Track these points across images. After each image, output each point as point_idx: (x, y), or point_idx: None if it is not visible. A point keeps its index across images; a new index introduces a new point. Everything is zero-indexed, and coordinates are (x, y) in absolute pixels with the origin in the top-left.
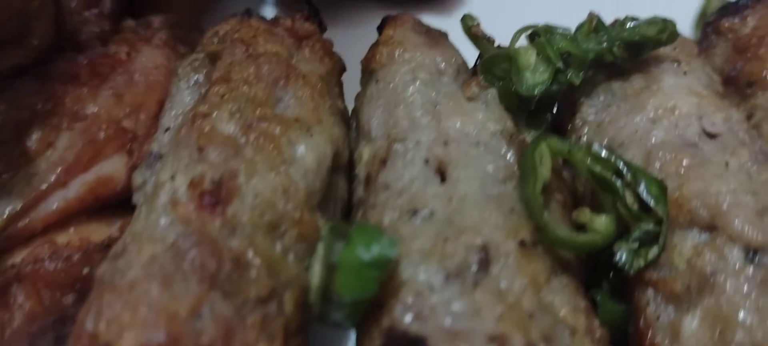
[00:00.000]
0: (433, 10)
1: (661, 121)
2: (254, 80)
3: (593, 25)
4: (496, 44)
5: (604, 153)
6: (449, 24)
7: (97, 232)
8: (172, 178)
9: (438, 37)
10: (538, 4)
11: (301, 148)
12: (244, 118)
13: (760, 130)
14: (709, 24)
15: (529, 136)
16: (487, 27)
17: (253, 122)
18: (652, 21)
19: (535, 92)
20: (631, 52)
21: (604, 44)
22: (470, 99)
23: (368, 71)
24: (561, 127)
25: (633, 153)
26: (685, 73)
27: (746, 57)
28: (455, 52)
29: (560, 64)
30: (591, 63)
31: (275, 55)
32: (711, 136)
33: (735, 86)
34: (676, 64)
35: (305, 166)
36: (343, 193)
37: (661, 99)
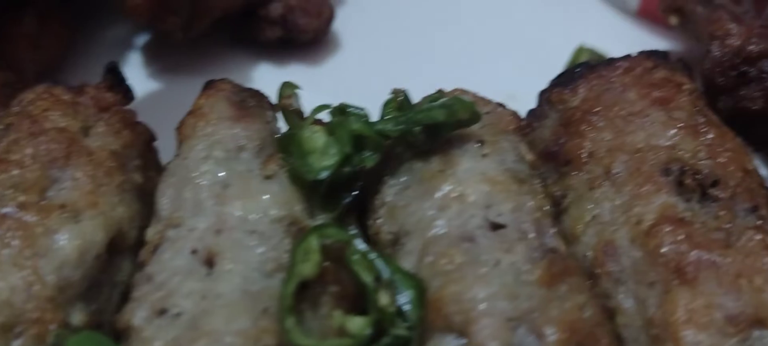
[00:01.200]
0: (302, 59)
1: (447, 209)
2: (29, 162)
3: (398, 102)
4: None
5: (362, 247)
6: (318, 74)
7: None
8: None
9: (251, 109)
10: (410, 64)
11: (62, 238)
12: None
13: (568, 214)
14: (543, 92)
15: (318, 222)
16: (355, 83)
17: (10, 212)
18: (446, 104)
19: (320, 176)
20: (430, 134)
21: (402, 126)
22: (268, 177)
23: (178, 142)
24: (368, 207)
25: (413, 244)
26: (484, 155)
27: (569, 132)
28: (266, 125)
29: (348, 150)
30: (397, 141)
31: (61, 131)
32: (495, 227)
33: (555, 163)
34: (478, 145)
35: (62, 257)
36: (124, 276)
37: (452, 185)
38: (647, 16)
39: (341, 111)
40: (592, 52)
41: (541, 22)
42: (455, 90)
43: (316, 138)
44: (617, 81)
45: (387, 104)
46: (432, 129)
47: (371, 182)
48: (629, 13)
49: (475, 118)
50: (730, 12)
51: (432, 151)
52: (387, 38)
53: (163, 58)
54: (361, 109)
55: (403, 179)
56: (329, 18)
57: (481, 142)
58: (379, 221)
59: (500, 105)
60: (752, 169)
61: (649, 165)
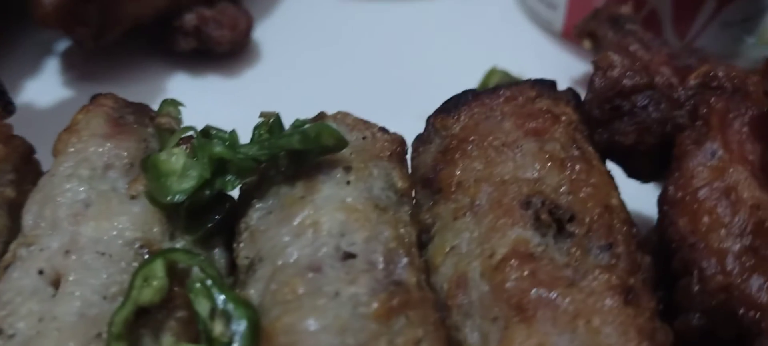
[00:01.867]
0: (219, 70)
1: (301, 237)
2: None
3: (269, 125)
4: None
5: (202, 275)
6: (235, 85)
7: None
8: None
9: (128, 126)
10: (329, 79)
11: None
12: None
13: (433, 243)
14: (429, 117)
15: (177, 245)
16: (273, 96)
17: None
18: (305, 131)
19: (175, 200)
20: (295, 160)
21: (265, 152)
22: (133, 197)
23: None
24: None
25: (263, 271)
26: (348, 182)
27: (446, 159)
28: (141, 143)
29: (208, 174)
30: (270, 164)
31: None
32: (346, 256)
33: (430, 190)
34: (345, 173)
35: None
36: None
37: (310, 212)
38: (571, 38)
39: (205, 134)
40: (505, 74)
41: (467, 41)
42: (337, 113)
43: (175, 160)
44: (498, 109)
45: (257, 128)
46: (296, 155)
47: (243, 205)
48: (555, 35)
49: (341, 144)
50: (639, 39)
51: (299, 176)
52: (307, 51)
53: (79, 66)
54: (226, 133)
55: (269, 203)
56: (246, 30)
57: (349, 168)
58: (241, 245)
59: (382, 129)
60: (615, 205)
61: (510, 198)
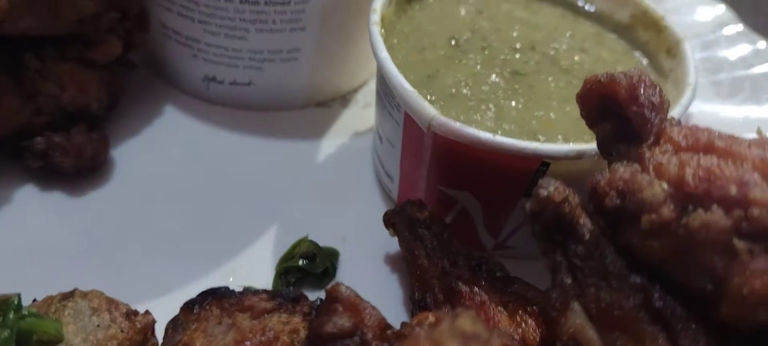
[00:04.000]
0: (67, 188)
1: None
2: None
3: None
4: None
5: None
6: (79, 205)
7: None
8: None
9: None
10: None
11: None
12: None
13: None
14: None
15: None
16: (114, 223)
17: None
18: (13, 323)
19: None
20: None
21: None
22: None
23: None
24: None
25: None
26: None
27: None
28: None
29: None
30: None
31: None
32: None
33: None
34: None
35: None
36: None
37: None
38: None
39: None
40: (313, 245)
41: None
42: (91, 291)
43: None
44: (230, 317)
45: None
46: (18, 341)
47: None
48: (393, 201)
49: (57, 338)
50: (425, 246)
51: None
52: (161, 178)
53: None
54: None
55: None
56: (92, 157)
57: None
58: None
59: (130, 313)
60: None
61: None
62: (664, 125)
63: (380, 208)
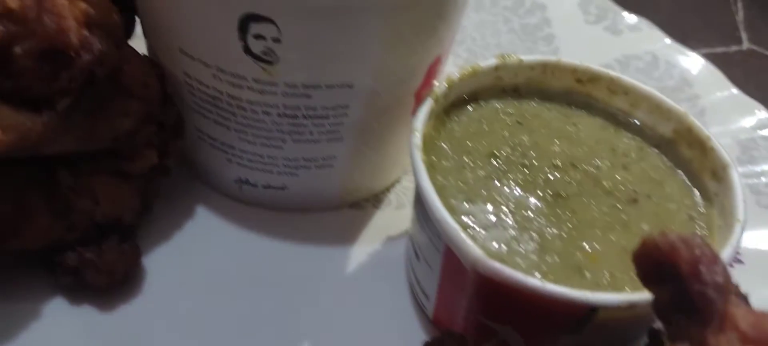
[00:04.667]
0: (96, 303)
1: None
2: None
3: None
4: None
5: None
6: (107, 321)
7: None
8: None
9: None
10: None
11: None
12: None
13: None
14: None
15: None
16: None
17: None
18: None
19: None
20: None
21: None
22: None
23: None
24: None
25: None
26: None
27: None
28: None
29: None
30: None
31: None
32: None
33: None
34: None
35: None
36: None
37: None
38: (439, 325)
39: None
40: None
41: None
42: None
43: None
44: None
45: None
46: None
47: None
48: (427, 317)
49: None
50: None
51: None
52: (194, 293)
53: None
54: None
55: None
56: (123, 274)
57: None
58: None
59: None
60: None
61: None
62: (729, 306)
63: (413, 322)
